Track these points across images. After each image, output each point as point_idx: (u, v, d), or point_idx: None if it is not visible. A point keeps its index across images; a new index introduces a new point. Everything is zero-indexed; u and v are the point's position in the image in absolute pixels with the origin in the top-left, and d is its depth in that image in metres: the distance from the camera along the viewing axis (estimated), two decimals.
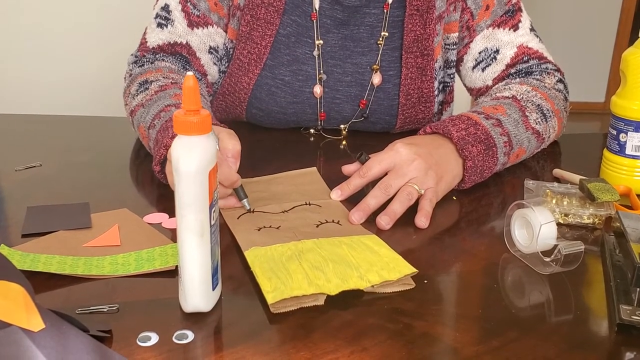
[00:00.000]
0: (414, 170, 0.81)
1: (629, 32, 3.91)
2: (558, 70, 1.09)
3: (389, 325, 0.58)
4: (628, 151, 0.86)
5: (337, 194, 0.83)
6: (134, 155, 1.01)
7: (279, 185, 0.86)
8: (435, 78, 1.08)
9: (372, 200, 0.79)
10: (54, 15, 2.16)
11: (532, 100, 0.99)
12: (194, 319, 0.58)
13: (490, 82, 1.09)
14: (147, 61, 1.02)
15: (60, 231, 0.73)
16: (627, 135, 0.85)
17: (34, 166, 0.93)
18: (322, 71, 1.05)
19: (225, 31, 1.05)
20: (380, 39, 1.05)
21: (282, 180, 0.88)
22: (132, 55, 1.06)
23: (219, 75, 1.08)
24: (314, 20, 1.03)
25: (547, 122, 0.99)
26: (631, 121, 0.84)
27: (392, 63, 1.07)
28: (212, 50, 1.05)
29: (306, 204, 0.81)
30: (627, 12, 3.91)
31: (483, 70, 1.09)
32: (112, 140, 1.06)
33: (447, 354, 0.55)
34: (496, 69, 1.08)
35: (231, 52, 1.06)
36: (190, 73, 0.55)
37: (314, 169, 0.91)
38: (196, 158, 0.55)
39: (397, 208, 0.78)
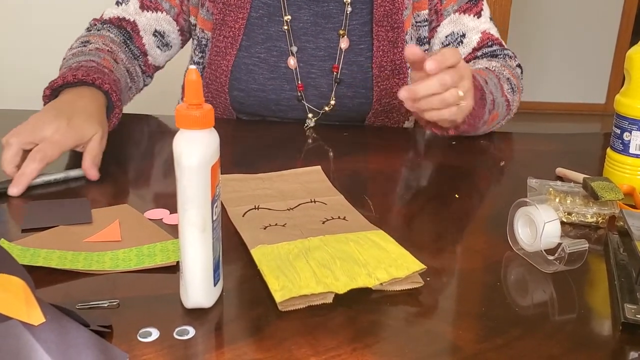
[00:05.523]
0: (467, 82, 0.88)
1: (630, 34, 3.90)
2: (516, 56, 1.18)
3: (392, 322, 0.58)
4: (632, 150, 0.85)
5: (431, 64, 0.81)
6: (136, 151, 1.01)
7: (284, 182, 0.86)
8: None
9: (423, 89, 0.83)
10: (54, 11, 2.15)
11: (503, 74, 1.08)
12: (195, 315, 0.57)
13: None
14: (95, 29, 1.12)
15: (60, 226, 0.73)
16: (631, 134, 0.85)
17: None
18: (292, 44, 1.09)
19: (176, 20, 1.14)
20: (347, 5, 1.09)
21: (287, 178, 0.88)
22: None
23: (165, 62, 1.19)
24: None
25: (514, 95, 1.09)
26: (635, 120, 0.84)
27: (362, 37, 1.10)
28: (156, 34, 1.14)
29: (311, 202, 0.80)
30: (628, 15, 3.90)
31: None
32: (113, 135, 1.05)
33: (450, 351, 0.55)
34: (463, 51, 1.14)
35: (204, 43, 1.13)
36: (192, 67, 0.55)
37: (319, 167, 0.91)
38: (198, 152, 0.54)
39: (424, 95, 0.84)
